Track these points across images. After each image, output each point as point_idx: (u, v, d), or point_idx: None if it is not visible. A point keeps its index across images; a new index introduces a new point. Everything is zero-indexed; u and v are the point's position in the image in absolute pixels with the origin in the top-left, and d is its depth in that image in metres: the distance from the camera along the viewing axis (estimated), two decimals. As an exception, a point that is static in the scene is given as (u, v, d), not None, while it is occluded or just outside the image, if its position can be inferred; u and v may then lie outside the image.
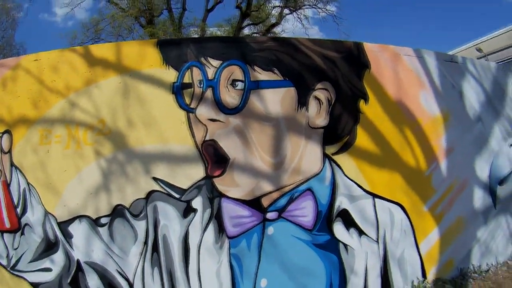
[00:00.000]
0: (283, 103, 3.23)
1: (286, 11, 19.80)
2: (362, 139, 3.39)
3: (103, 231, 3.27)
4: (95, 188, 3.30)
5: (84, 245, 3.28)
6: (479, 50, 17.76)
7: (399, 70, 3.61)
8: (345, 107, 3.36)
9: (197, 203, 3.16)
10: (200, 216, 3.16)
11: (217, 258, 3.15)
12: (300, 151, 3.25)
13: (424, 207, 3.59)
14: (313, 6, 19.44)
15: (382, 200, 3.41)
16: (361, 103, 3.43)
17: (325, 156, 3.28)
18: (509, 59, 16.56)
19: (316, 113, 3.29)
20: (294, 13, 19.81)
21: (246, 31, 20.22)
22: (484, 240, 4.11)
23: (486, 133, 4.15)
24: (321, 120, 3.29)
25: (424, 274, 3.59)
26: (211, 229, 3.16)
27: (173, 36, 16.07)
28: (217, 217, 3.15)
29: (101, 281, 3.24)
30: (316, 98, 3.30)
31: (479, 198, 4.03)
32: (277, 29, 20.48)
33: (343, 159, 3.31)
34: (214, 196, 3.15)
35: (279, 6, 19.40)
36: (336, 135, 3.31)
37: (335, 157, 3.29)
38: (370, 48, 3.55)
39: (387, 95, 3.53)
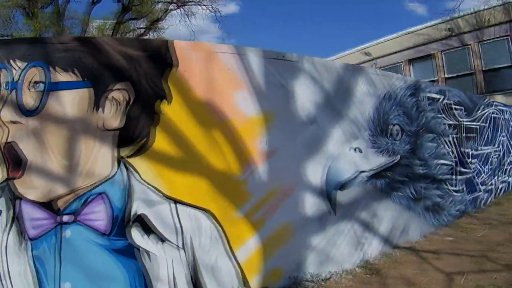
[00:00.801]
0: (80, 105, 3.23)
1: (173, 6, 20.82)
2: (162, 141, 3.37)
3: None
4: None
5: None
6: (367, 54, 18.93)
7: (213, 69, 3.59)
8: (143, 108, 3.35)
9: (0, 204, 3.23)
10: (4, 217, 3.22)
11: (22, 259, 3.18)
12: (93, 154, 3.26)
13: (237, 213, 3.61)
14: (198, 3, 20.62)
15: (185, 206, 3.41)
16: (163, 104, 3.41)
17: (120, 159, 3.30)
18: (396, 64, 18.25)
19: (112, 115, 3.30)
20: (181, 9, 20.88)
21: (132, 25, 21.34)
22: (323, 247, 4.21)
23: (322, 136, 4.23)
24: (116, 121, 3.31)
25: (245, 283, 3.64)
26: (14, 230, 3.19)
27: (51, 29, 16.41)
28: (18, 219, 3.19)
29: None
30: (113, 99, 3.32)
31: (312, 204, 4.11)
32: (163, 25, 21.88)
33: (140, 163, 3.30)
34: (15, 198, 3.20)
35: (163, 1, 20.40)
36: (132, 137, 3.31)
37: (130, 160, 3.29)
38: (181, 46, 3.50)
39: (194, 96, 3.51)
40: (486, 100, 8.88)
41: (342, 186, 4.42)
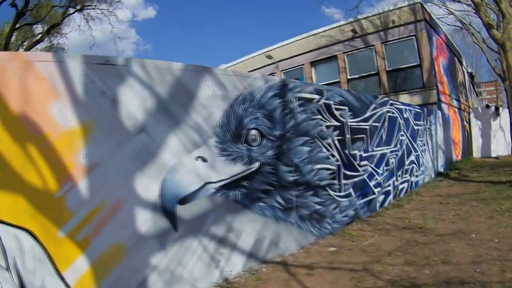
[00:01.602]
0: None
1: (71, 10, 21.44)
2: (-21, 157, 3.21)
3: None
4: None
5: None
6: (268, 57, 19.85)
7: (29, 80, 3.40)
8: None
9: None
10: None
11: None
12: None
13: (59, 232, 3.42)
14: (94, 7, 21.62)
15: (6, 226, 3.24)
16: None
17: None
18: (298, 67, 19.51)
19: None
20: (80, 13, 21.60)
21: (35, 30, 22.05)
22: (166, 267, 4.00)
23: (153, 145, 4.01)
24: None
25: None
26: None
27: None
28: None
29: None
30: None
31: (146, 220, 3.89)
32: (65, 30, 22.87)
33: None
34: None
35: (58, 5, 20.99)
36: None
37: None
38: (-2, 57, 3.34)
39: (10, 109, 3.31)
40: (379, 99, 9.08)
41: (183, 199, 4.18)
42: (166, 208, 4.05)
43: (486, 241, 5.26)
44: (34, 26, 22.12)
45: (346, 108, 7.27)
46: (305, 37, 18.98)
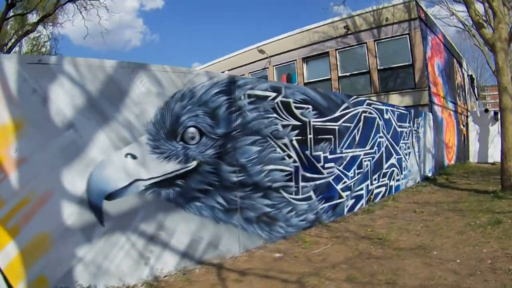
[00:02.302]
0: None
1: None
2: None
3: None
4: None
5: None
6: (261, 51, 20.63)
7: None
8: None
9: None
10: None
11: None
12: None
13: None
14: None
15: None
16: None
17: None
18: (290, 62, 20.27)
19: None
20: (74, 4, 22.54)
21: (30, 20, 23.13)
22: (92, 260, 4.35)
23: (81, 142, 4.35)
24: None
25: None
26: None
27: None
28: None
29: None
30: None
31: (72, 213, 4.25)
32: (60, 20, 24.22)
33: None
34: None
35: None
36: None
37: None
38: None
39: None
40: (353, 99, 9.23)
41: (110, 195, 4.50)
42: (93, 202, 4.40)
43: (446, 261, 5.06)
44: (29, 16, 23.48)
45: (309, 107, 7.43)
46: (298, 33, 19.48)
